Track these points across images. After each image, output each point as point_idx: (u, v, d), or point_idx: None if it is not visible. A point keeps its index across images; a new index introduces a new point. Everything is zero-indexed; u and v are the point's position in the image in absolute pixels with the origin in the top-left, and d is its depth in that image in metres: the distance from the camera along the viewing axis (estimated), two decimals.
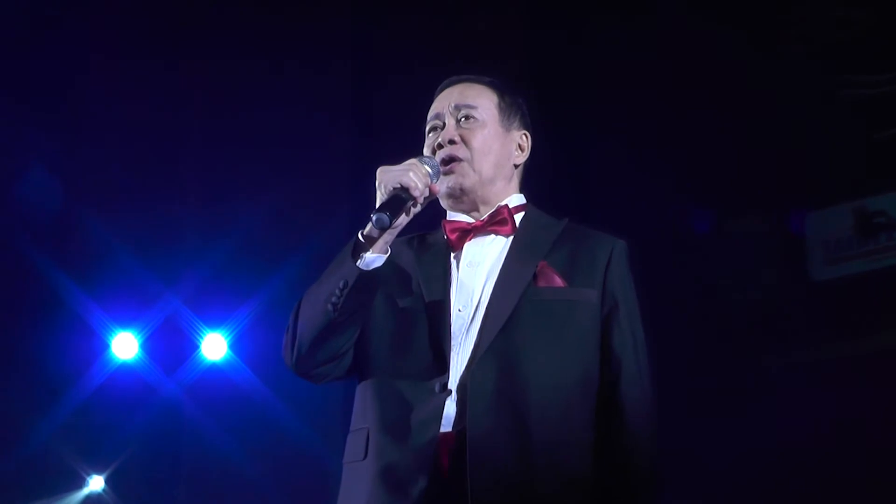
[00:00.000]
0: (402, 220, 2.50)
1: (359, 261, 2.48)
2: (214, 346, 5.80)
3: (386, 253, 2.51)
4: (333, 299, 2.47)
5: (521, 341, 2.48)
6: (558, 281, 2.55)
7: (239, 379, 5.75)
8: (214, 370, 5.80)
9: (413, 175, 2.48)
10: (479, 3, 6.04)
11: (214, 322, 5.84)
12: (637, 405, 2.52)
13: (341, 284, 2.47)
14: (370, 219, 2.44)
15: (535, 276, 2.55)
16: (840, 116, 5.31)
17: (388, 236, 2.50)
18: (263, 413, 5.61)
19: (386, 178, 2.49)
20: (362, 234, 2.50)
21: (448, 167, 2.65)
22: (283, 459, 5.61)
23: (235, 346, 5.81)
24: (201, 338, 5.81)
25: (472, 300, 2.56)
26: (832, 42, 5.42)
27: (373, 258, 2.48)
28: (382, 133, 6.03)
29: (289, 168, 5.97)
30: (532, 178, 2.84)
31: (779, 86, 5.44)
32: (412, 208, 2.51)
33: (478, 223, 2.68)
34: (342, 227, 5.79)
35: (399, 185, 2.47)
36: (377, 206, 2.48)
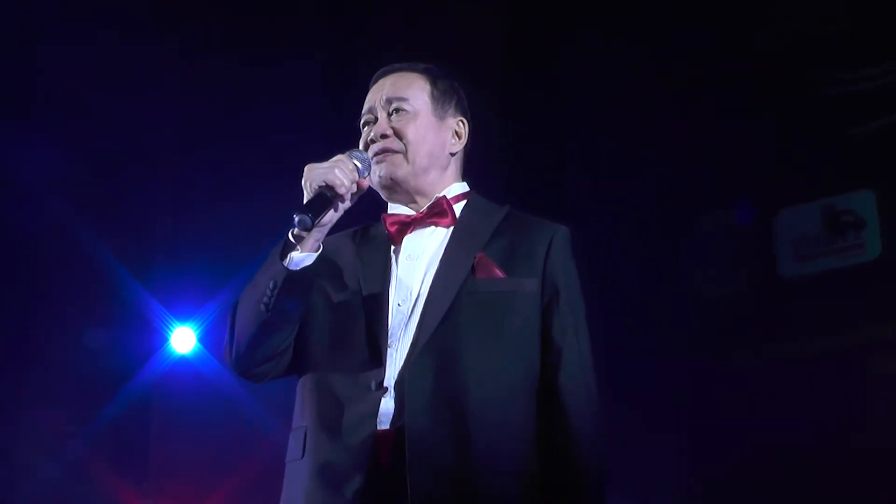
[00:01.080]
0: (331, 216, 2.50)
1: (287, 261, 2.47)
2: (184, 339, 5.77)
3: (317, 251, 2.50)
4: (265, 299, 2.47)
5: (460, 336, 2.45)
6: (497, 272, 2.53)
7: (208, 372, 5.72)
8: (183, 363, 5.78)
9: (338, 172, 2.48)
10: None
11: (184, 315, 5.82)
12: (579, 394, 2.49)
13: (271, 285, 2.47)
14: (293, 219, 2.42)
15: (473, 268, 2.52)
16: (810, 114, 5.33)
17: (319, 234, 2.50)
18: (231, 406, 5.59)
19: (311, 176, 2.49)
20: (292, 233, 2.48)
21: (381, 157, 2.63)
22: (249, 452, 5.59)
23: (205, 339, 5.79)
24: (170, 331, 5.79)
25: (410, 294, 2.53)
26: (805, 39, 5.45)
27: (301, 257, 2.48)
28: (356, 132, 6.01)
29: (261, 159, 5.95)
30: (502, 171, 2.82)
31: (751, 82, 5.46)
32: (340, 204, 2.50)
33: (417, 215, 2.65)
34: None
35: (324, 183, 2.46)
36: (303, 204, 2.47)
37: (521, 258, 2.56)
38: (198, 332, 5.78)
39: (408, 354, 2.44)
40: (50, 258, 5.80)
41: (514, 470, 2.42)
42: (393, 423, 2.40)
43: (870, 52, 5.29)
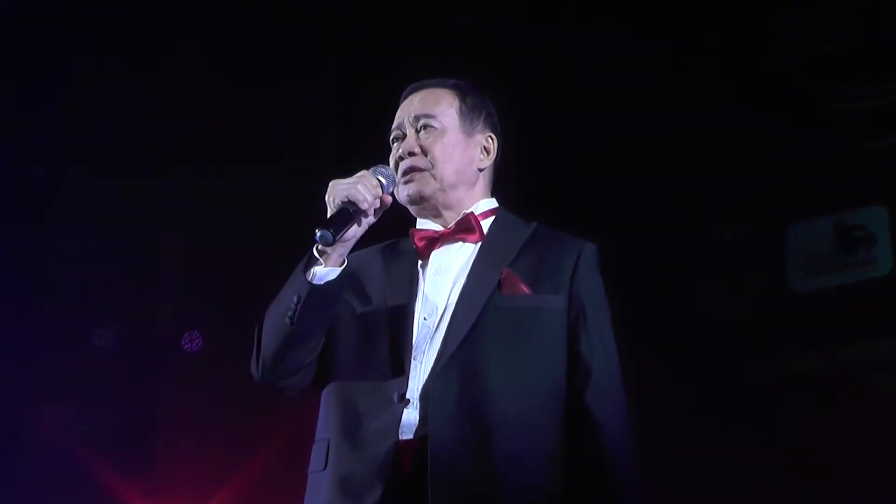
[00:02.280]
0: (354, 231, 2.52)
1: (311, 276, 2.49)
2: (193, 341, 5.78)
3: (341, 265, 2.52)
4: (289, 313, 2.50)
5: (484, 350, 2.47)
6: (523, 288, 2.54)
7: (218, 374, 5.72)
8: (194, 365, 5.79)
9: (361, 188, 2.50)
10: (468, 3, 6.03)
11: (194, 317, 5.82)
12: (609, 414, 2.51)
13: (295, 299, 2.50)
14: (315, 235, 2.45)
15: (499, 284, 2.54)
16: (824, 129, 5.33)
17: (342, 249, 2.52)
18: (241, 408, 5.58)
19: (334, 192, 2.52)
20: (316, 248, 2.50)
21: (408, 176, 2.65)
22: (259, 454, 5.60)
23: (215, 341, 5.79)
24: (180, 333, 5.79)
25: (437, 309, 2.56)
26: (818, 54, 5.45)
27: (325, 272, 2.50)
28: (368, 134, 6.01)
29: (272, 161, 5.96)
30: (515, 182, 2.83)
31: (765, 96, 5.47)
32: (363, 219, 2.52)
33: (445, 231, 2.68)
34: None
35: (346, 199, 2.49)
36: (325, 219, 2.49)
37: (547, 275, 2.58)
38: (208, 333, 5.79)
39: (432, 367, 2.46)
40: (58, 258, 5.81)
41: (536, 484, 2.43)
42: (416, 434, 2.42)
43: (883, 68, 5.29)
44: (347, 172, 2.59)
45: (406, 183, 2.66)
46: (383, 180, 2.56)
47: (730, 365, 5.27)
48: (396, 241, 2.76)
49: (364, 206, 2.50)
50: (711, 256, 5.58)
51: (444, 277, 2.61)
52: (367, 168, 2.60)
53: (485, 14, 5.90)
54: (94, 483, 5.49)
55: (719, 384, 5.22)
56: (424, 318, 2.55)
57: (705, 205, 5.54)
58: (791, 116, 5.43)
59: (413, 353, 2.50)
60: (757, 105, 5.49)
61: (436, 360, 2.48)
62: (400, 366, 2.48)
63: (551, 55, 5.95)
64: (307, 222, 2.55)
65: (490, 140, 2.77)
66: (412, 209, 2.72)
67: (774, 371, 5.23)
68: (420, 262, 2.66)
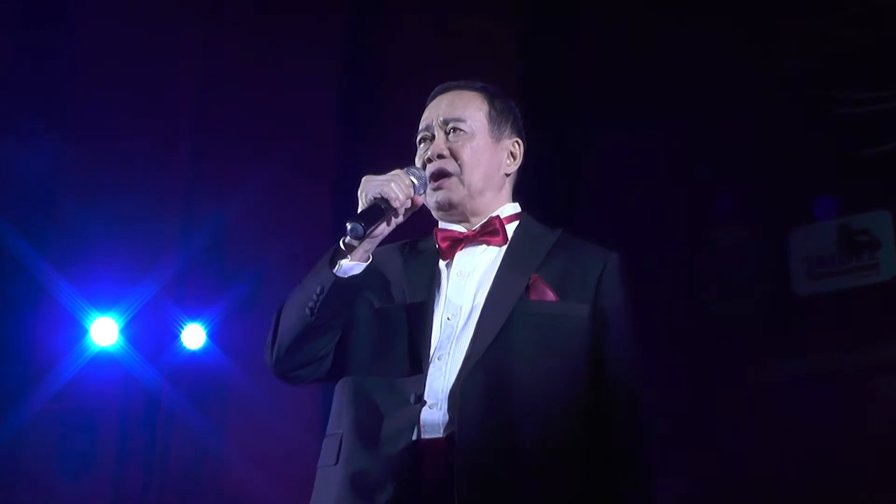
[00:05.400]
0: (383, 229, 2.51)
1: (336, 268, 2.48)
2: (194, 336, 5.76)
3: (366, 261, 2.51)
4: (311, 304, 2.48)
5: (512, 354, 2.46)
6: (550, 294, 2.54)
7: (218, 368, 5.72)
8: (194, 359, 5.77)
9: (395, 186, 2.49)
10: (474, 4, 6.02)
11: (194, 312, 5.80)
12: (629, 419, 2.51)
13: (318, 290, 2.48)
14: (345, 227, 2.44)
15: (527, 289, 2.54)
16: (828, 133, 5.34)
17: (369, 244, 2.50)
18: (241, 403, 5.59)
19: (367, 187, 2.50)
20: (343, 241, 2.49)
21: (437, 182, 2.64)
22: (259, 448, 5.58)
23: (215, 335, 5.78)
24: (181, 327, 5.77)
25: (461, 310, 2.55)
26: (823, 58, 5.46)
27: (350, 266, 2.49)
28: (369, 128, 6.01)
29: (273, 159, 5.94)
30: (524, 182, 2.82)
31: (769, 101, 5.47)
32: (393, 218, 2.51)
33: (469, 233, 2.66)
34: (324, 219, 5.78)
35: (379, 195, 2.47)
36: (356, 213, 2.47)
37: (573, 282, 2.58)
38: (207, 328, 5.77)
39: (460, 369, 2.45)
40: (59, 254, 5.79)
41: (560, 484, 2.43)
42: (443, 433, 2.41)
43: (889, 73, 5.30)
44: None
45: (435, 190, 2.64)
46: (416, 181, 2.55)
47: (733, 367, 5.28)
48: (415, 240, 2.74)
49: (396, 204, 2.48)
50: (716, 260, 5.58)
51: (468, 279, 2.60)
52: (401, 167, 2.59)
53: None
54: None
55: (723, 386, 5.22)
56: (448, 318, 2.54)
57: (710, 209, 5.54)
58: (796, 120, 5.43)
59: (436, 353, 2.49)
60: (762, 109, 5.49)
61: (464, 360, 2.46)
62: (417, 366, 2.47)
63: (553, 58, 5.94)
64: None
65: (516, 145, 2.75)
66: (437, 214, 2.70)
67: (777, 374, 5.24)
68: (442, 262, 2.64)
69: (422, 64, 5.75)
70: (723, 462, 5.04)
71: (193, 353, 5.78)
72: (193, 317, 5.78)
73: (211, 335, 5.78)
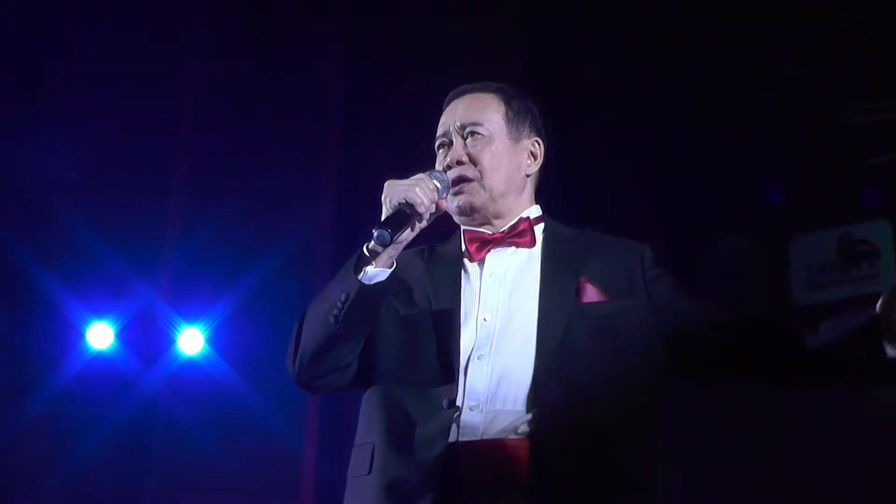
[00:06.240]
0: (407, 234, 2.49)
1: (361, 275, 2.46)
2: (191, 341, 5.74)
3: (391, 267, 2.49)
4: (335, 311, 2.46)
5: (580, 358, 2.47)
6: (602, 295, 2.55)
7: (215, 374, 5.69)
8: (191, 364, 5.75)
9: (419, 190, 2.46)
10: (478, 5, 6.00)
11: (191, 316, 5.78)
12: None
13: (343, 297, 2.46)
14: (371, 234, 2.42)
15: (577, 293, 2.54)
16: (829, 143, 5.33)
17: (393, 251, 2.48)
18: (239, 408, 5.56)
19: (392, 193, 2.47)
20: (367, 247, 2.47)
21: (458, 187, 2.63)
22: (257, 454, 5.56)
23: (212, 340, 5.76)
24: (178, 332, 5.75)
25: (497, 311, 2.54)
26: (824, 68, 5.45)
27: (375, 272, 2.47)
28: (370, 131, 6.00)
29: (270, 162, 5.93)
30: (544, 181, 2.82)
31: (771, 109, 5.46)
32: (417, 223, 2.49)
33: (498, 235, 2.66)
34: (322, 222, 5.77)
35: (404, 201, 2.45)
36: (381, 220, 2.45)
37: (619, 280, 2.59)
38: (206, 333, 5.75)
39: (532, 379, 2.44)
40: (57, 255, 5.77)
41: (633, 483, 2.46)
42: (474, 436, 2.41)
43: (890, 83, 5.30)
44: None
45: (456, 194, 2.64)
46: (439, 185, 2.54)
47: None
48: (433, 245, 2.73)
49: (421, 209, 2.46)
50: (715, 269, 5.57)
51: (502, 281, 2.59)
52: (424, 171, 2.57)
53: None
54: None
55: (723, 395, 5.21)
56: (485, 319, 2.53)
57: (709, 218, 5.53)
58: (797, 130, 5.42)
59: (475, 352, 2.49)
60: (762, 118, 5.48)
61: (534, 371, 2.46)
62: (449, 370, 2.46)
63: (553, 67, 5.92)
64: None
65: (536, 145, 2.75)
66: (459, 219, 2.71)
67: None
68: (469, 264, 2.64)
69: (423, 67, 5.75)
70: (720, 465, 5.04)
71: (191, 358, 5.77)
72: (191, 321, 5.78)
73: (209, 340, 5.76)
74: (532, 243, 2.66)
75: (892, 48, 5.32)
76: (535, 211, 2.73)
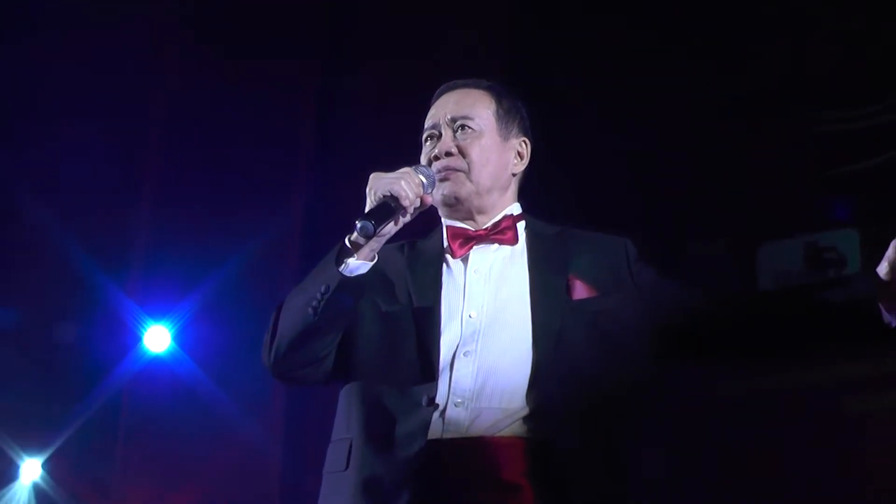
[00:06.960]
0: (390, 228, 2.48)
1: (342, 266, 2.44)
2: (158, 338, 5.71)
3: (372, 260, 2.48)
4: (314, 303, 2.44)
5: (577, 356, 2.49)
6: (592, 291, 2.56)
7: (182, 371, 5.67)
8: (157, 362, 5.72)
9: (405, 184, 2.46)
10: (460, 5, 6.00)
11: (158, 314, 5.75)
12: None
13: (322, 289, 2.44)
14: (355, 225, 2.41)
15: (567, 290, 2.55)
16: (798, 150, 5.37)
17: (375, 244, 2.47)
18: (206, 406, 5.54)
19: (377, 185, 2.47)
20: (349, 239, 2.46)
21: (444, 174, 2.63)
22: (224, 452, 5.54)
23: (179, 338, 5.73)
24: (144, 329, 5.72)
25: (483, 307, 2.54)
26: (795, 77, 5.49)
27: (357, 265, 2.46)
28: (341, 131, 5.99)
29: (240, 161, 5.92)
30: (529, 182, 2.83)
31: (739, 116, 5.49)
32: (401, 217, 2.48)
33: (481, 231, 2.66)
34: (291, 221, 5.76)
35: (389, 194, 2.45)
36: (365, 212, 2.45)
37: (607, 275, 2.61)
38: (172, 330, 5.72)
39: (531, 377, 2.46)
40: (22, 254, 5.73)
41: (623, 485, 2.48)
42: (459, 433, 2.41)
43: (860, 92, 5.34)
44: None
45: (442, 181, 2.63)
46: (424, 180, 2.53)
47: (701, 382, 5.28)
48: (413, 240, 2.73)
49: (405, 203, 2.46)
50: (682, 275, 5.58)
51: (486, 277, 2.60)
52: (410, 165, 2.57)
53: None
54: None
55: (690, 401, 5.23)
56: (470, 316, 2.53)
57: (677, 223, 5.55)
58: (766, 136, 5.45)
59: (461, 349, 2.49)
60: (732, 124, 5.51)
61: (532, 369, 2.47)
62: (429, 367, 2.46)
63: (531, 72, 5.92)
64: None
65: (523, 145, 2.77)
66: (443, 211, 2.70)
67: (745, 389, 5.25)
68: (452, 259, 2.65)
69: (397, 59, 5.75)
70: (692, 475, 5.05)
71: (157, 356, 5.74)
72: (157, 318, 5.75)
73: (176, 337, 5.74)
74: (515, 241, 2.67)
75: (862, 58, 5.37)
76: (516, 209, 2.75)
